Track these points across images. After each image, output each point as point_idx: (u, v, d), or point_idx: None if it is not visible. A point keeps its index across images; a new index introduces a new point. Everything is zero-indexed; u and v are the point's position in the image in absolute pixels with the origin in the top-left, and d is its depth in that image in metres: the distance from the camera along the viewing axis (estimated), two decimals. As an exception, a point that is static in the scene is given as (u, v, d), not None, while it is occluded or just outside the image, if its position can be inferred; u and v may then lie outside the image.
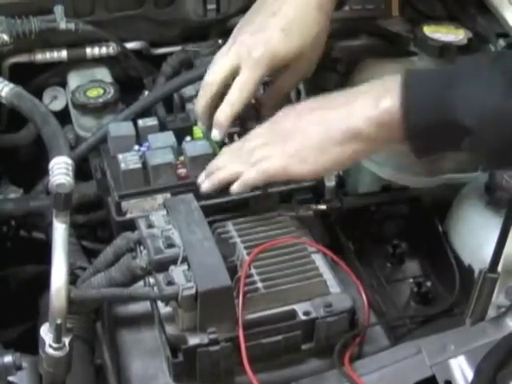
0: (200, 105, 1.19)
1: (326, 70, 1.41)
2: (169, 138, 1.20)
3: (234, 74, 1.16)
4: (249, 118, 1.25)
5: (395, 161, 1.20)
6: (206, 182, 1.12)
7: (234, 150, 1.14)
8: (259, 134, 1.13)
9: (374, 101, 1.01)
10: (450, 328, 1.00)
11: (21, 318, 1.20)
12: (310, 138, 1.05)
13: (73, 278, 1.02)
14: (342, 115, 1.04)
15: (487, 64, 0.97)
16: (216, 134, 1.17)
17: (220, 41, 1.51)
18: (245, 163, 1.09)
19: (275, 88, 1.22)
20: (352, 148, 1.03)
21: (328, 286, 1.02)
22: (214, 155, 1.19)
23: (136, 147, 1.20)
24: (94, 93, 1.36)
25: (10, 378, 0.91)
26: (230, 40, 1.20)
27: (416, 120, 0.98)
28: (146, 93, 1.41)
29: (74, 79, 1.43)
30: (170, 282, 0.93)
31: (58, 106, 1.44)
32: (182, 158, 1.19)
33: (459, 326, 1.00)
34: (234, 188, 1.09)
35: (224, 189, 1.11)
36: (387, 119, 0.99)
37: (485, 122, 0.93)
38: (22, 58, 1.41)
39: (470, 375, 0.91)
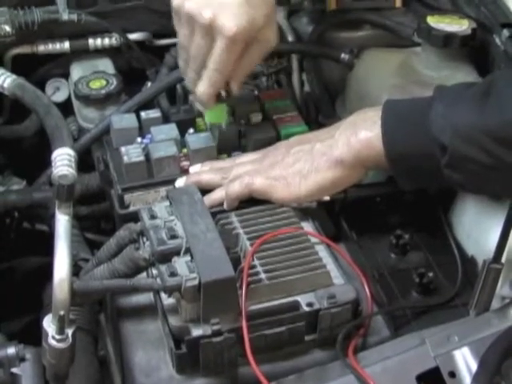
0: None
1: (330, 61, 1.41)
2: (172, 130, 1.20)
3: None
4: (251, 110, 1.25)
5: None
6: (180, 181, 1.14)
7: (217, 167, 1.16)
8: (246, 162, 1.15)
9: (354, 131, 1.06)
10: (451, 319, 1.00)
11: (24, 310, 1.21)
12: (293, 166, 1.10)
13: (76, 270, 1.02)
14: (325, 145, 1.09)
15: (465, 88, 1.02)
16: (201, 109, 1.17)
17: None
18: (224, 177, 1.12)
19: (244, 63, 1.15)
20: (334, 174, 1.08)
21: (331, 277, 1.02)
22: (216, 148, 1.19)
23: (139, 139, 1.20)
24: (96, 84, 1.36)
25: (14, 370, 0.91)
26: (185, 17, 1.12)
27: (397, 149, 1.03)
28: (149, 84, 1.41)
29: (77, 70, 1.43)
30: (173, 273, 0.93)
31: (60, 97, 1.44)
32: (185, 151, 1.19)
33: (462, 316, 1.00)
34: (215, 196, 1.11)
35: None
36: (367, 149, 1.05)
37: (458, 137, 0.97)
38: (25, 50, 1.41)
39: (475, 366, 0.90)
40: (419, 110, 1.03)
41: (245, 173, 1.11)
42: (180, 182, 1.14)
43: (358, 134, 1.05)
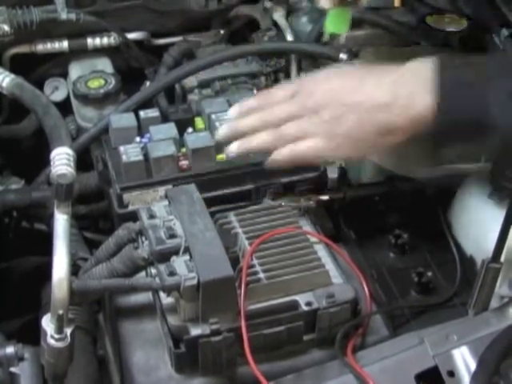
0: None
1: (329, 60, 1.41)
2: (170, 129, 1.20)
3: None
4: None
5: (397, 151, 1.20)
6: (234, 147, 1.04)
7: (263, 114, 1.05)
8: (289, 103, 1.05)
9: (412, 96, 0.98)
10: (450, 318, 1.00)
11: (23, 309, 1.21)
12: (345, 124, 1.01)
13: (74, 269, 1.01)
14: (381, 106, 1.00)
15: None
16: (325, 2, 1.10)
17: (222, 31, 1.52)
18: (275, 134, 1.03)
19: None
20: (387, 139, 1.00)
21: (330, 277, 1.02)
22: (215, 147, 1.19)
23: (137, 139, 1.20)
24: (95, 83, 1.36)
25: (12, 369, 0.91)
26: None
27: (450, 121, 0.97)
28: (148, 83, 1.41)
29: (76, 70, 1.43)
30: (172, 273, 0.93)
31: (59, 96, 1.44)
32: (183, 150, 1.19)
33: (461, 316, 1.00)
34: (258, 140, 1.03)
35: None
36: (422, 116, 0.98)
37: None
38: (23, 49, 1.41)
39: (473, 365, 0.90)
40: (478, 84, 0.96)
41: (296, 134, 1.02)
42: (233, 148, 1.05)
43: (414, 102, 0.98)
